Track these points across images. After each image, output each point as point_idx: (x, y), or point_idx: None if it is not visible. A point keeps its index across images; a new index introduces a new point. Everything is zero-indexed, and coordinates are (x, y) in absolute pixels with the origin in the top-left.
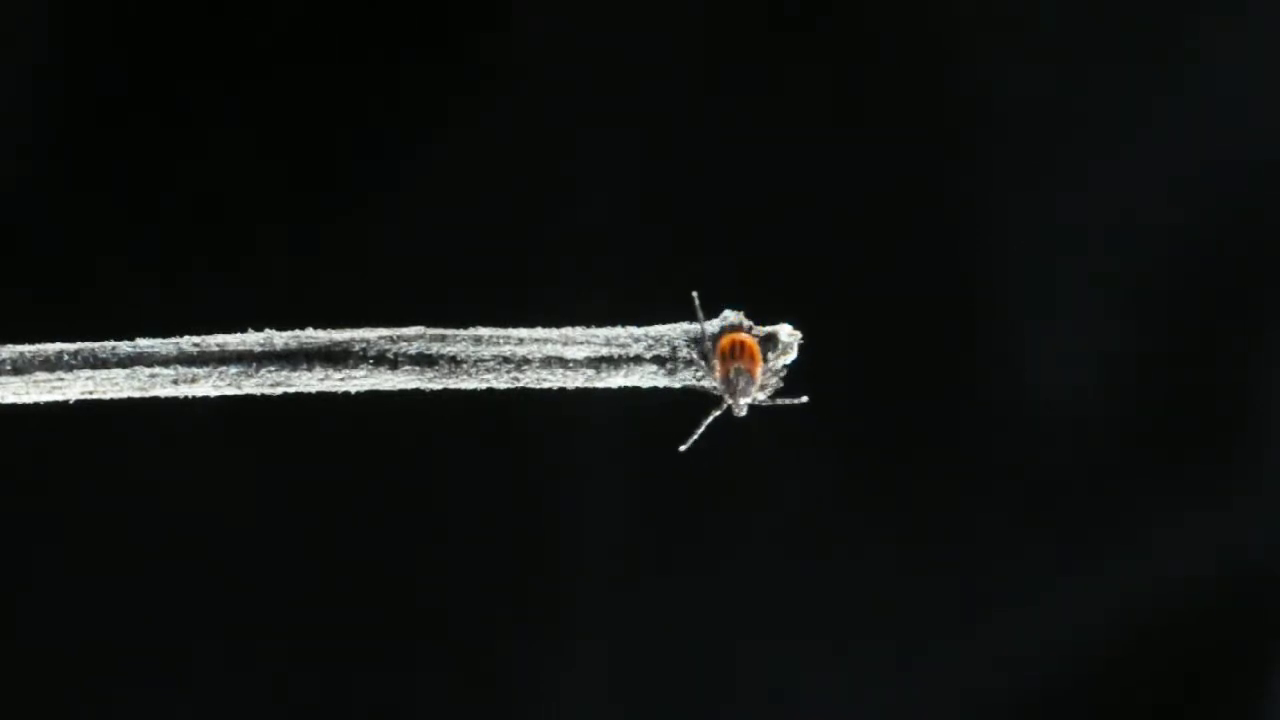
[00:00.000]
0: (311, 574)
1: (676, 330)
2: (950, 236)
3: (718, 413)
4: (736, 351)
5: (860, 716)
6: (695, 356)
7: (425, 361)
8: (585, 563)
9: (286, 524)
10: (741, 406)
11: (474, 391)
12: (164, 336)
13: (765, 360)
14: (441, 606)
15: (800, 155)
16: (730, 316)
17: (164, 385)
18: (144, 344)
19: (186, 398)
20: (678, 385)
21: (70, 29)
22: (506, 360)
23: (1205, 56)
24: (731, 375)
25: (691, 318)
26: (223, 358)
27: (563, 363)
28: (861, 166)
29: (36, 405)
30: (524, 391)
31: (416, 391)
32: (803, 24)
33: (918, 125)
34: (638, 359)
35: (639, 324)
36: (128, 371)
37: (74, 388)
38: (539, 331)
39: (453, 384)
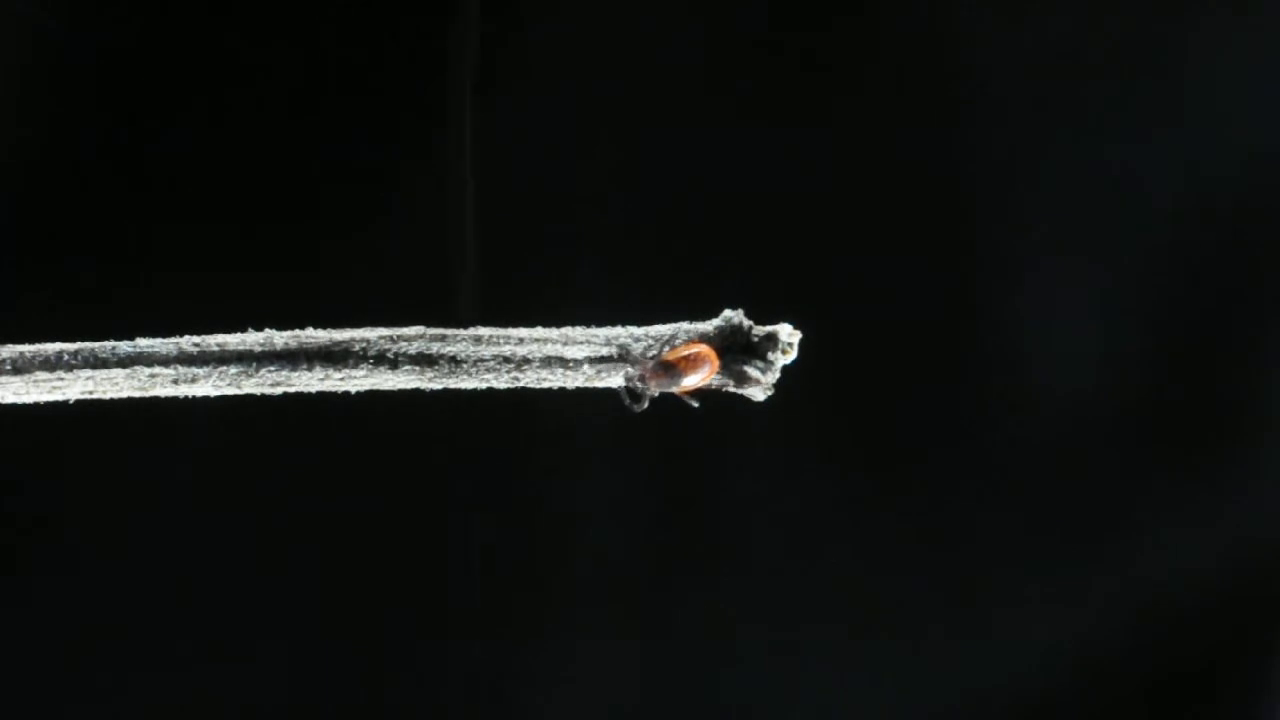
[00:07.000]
0: (310, 573)
1: (677, 330)
2: (950, 236)
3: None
4: (685, 364)
5: (860, 716)
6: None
7: (425, 361)
8: (585, 562)
9: (285, 524)
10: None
11: (474, 391)
12: (164, 336)
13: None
14: (440, 606)
15: (800, 155)
16: (730, 316)
17: (164, 385)
18: (144, 344)
19: (186, 398)
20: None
21: (70, 25)
22: (506, 360)
23: (1206, 55)
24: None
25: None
26: (223, 358)
27: (563, 363)
28: (862, 166)
29: (36, 405)
30: (524, 391)
31: (416, 391)
32: (803, 22)
33: (918, 125)
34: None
35: (639, 324)
36: (128, 371)
37: (74, 388)
38: (539, 331)
39: (453, 384)
